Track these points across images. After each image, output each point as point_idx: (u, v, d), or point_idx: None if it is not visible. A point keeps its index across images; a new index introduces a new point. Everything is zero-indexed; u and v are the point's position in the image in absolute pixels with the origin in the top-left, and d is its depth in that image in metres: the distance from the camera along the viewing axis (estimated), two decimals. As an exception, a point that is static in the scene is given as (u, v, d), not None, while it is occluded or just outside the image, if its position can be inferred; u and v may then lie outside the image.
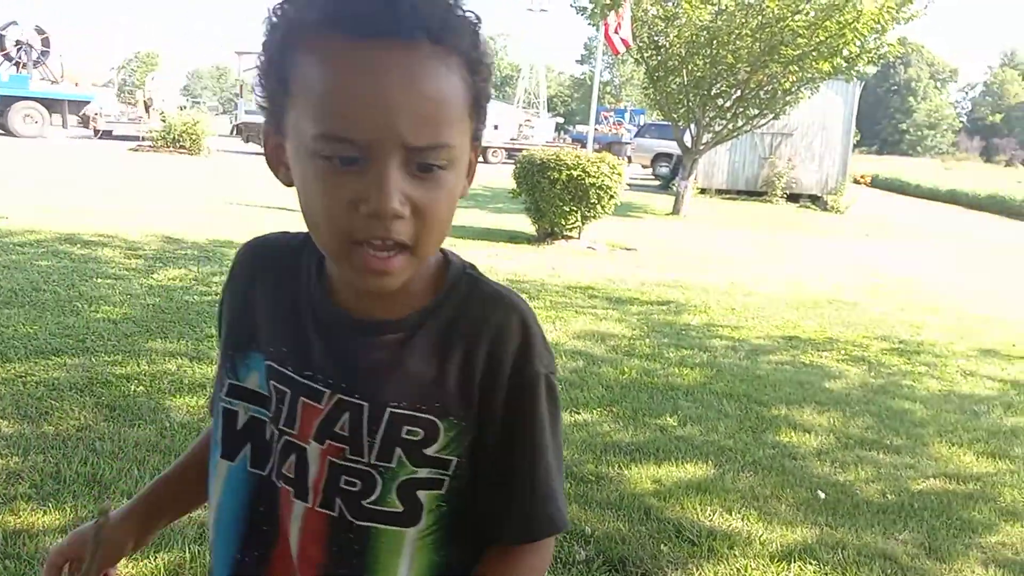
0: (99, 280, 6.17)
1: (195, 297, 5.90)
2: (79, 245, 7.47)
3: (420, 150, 0.76)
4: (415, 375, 0.86)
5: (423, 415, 0.86)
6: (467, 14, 0.79)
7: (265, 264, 0.97)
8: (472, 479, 0.89)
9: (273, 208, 11.43)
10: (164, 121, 22.43)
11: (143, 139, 22.84)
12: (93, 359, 4.36)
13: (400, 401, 0.86)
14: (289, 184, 0.85)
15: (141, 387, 4.01)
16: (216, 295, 5.90)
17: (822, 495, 3.46)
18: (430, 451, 0.86)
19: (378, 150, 0.74)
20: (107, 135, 25.61)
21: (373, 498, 0.86)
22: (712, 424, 4.23)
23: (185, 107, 38.09)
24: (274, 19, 0.79)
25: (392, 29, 0.73)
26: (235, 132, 25.89)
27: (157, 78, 32.90)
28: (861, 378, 5.38)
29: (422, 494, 0.87)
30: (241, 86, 26.76)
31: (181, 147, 21.74)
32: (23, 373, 4.04)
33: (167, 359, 4.46)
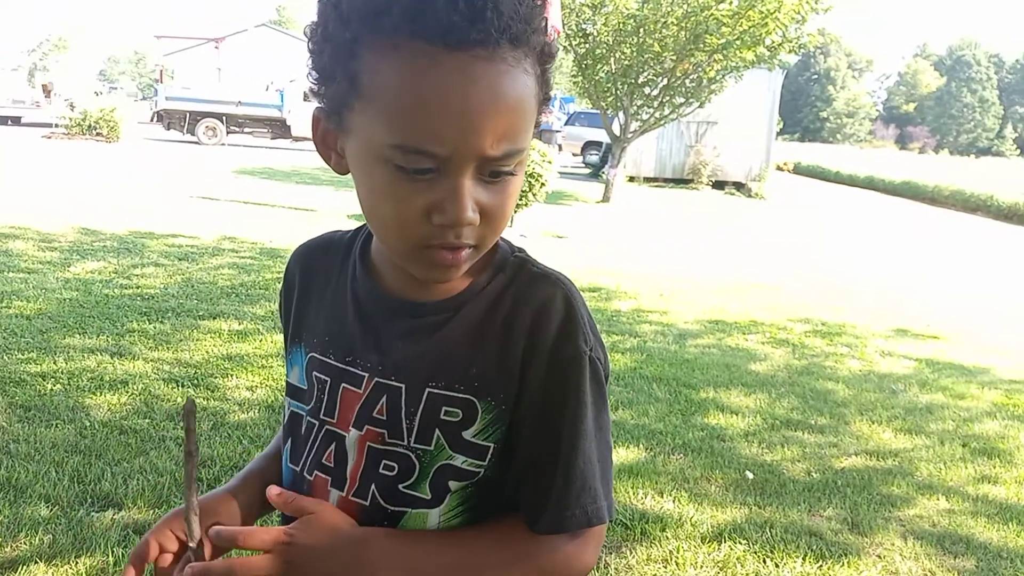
0: (11, 274, 5.90)
1: (115, 290, 5.70)
2: (-12, 238, 7.13)
3: (496, 160, 0.75)
4: (454, 354, 0.85)
5: (461, 395, 0.84)
6: (536, 1, 0.76)
7: (313, 263, 0.98)
8: (506, 468, 0.86)
9: (196, 198, 11.12)
10: (72, 108, 21.63)
11: (56, 126, 21.97)
12: (5, 357, 4.17)
13: (438, 381, 0.85)
14: (342, 172, 0.84)
15: (58, 385, 3.85)
16: (138, 287, 5.75)
17: (750, 475, 3.55)
18: (468, 434, 0.85)
19: (456, 164, 0.74)
20: (15, 122, 24.62)
21: (409, 482, 0.86)
22: (643, 408, 4.29)
23: (101, 93, 36.72)
24: (342, 10, 0.75)
25: (478, 39, 0.71)
26: (156, 119, 25.04)
27: (62, 61, 31.50)
28: (785, 360, 5.53)
29: (453, 484, 0.86)
30: (161, 71, 25.85)
31: (98, 134, 20.98)
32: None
33: (86, 355, 4.30)
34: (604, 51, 15.38)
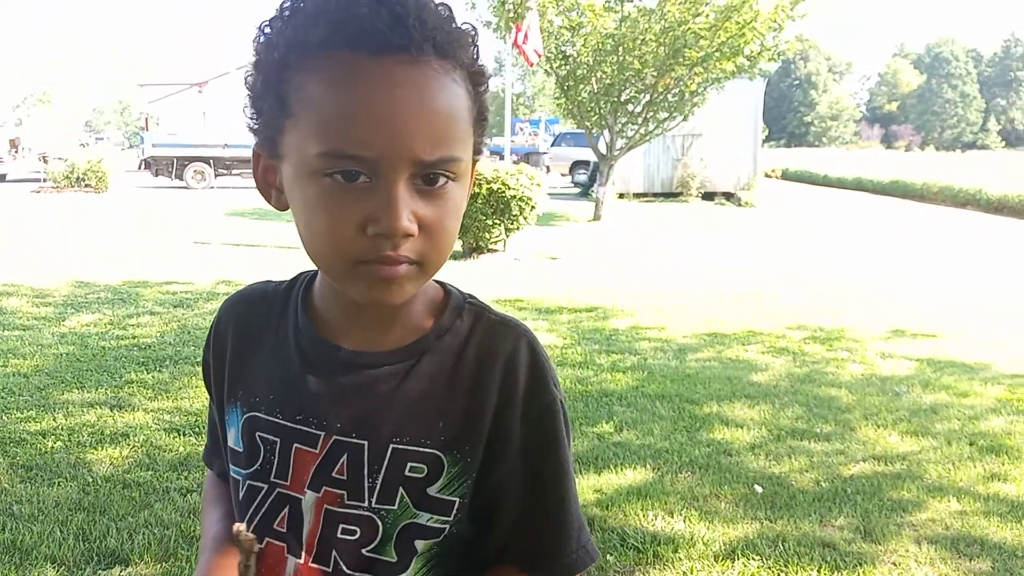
0: (6, 332, 5.89)
1: (112, 342, 5.68)
2: (-18, 297, 7.11)
3: (430, 164, 0.73)
4: (419, 407, 0.82)
5: (427, 449, 0.81)
6: (464, 27, 0.78)
7: (248, 316, 0.93)
8: (475, 520, 0.85)
9: (188, 243, 11.12)
10: (45, 161, 21.88)
11: (44, 180, 22.04)
12: (4, 417, 4.15)
13: (403, 436, 0.81)
14: (282, 208, 0.81)
15: (59, 442, 3.83)
16: (134, 337, 5.73)
17: (759, 489, 3.53)
18: (433, 490, 0.82)
19: (388, 168, 0.72)
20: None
21: (372, 546, 0.82)
22: (647, 427, 4.27)
23: (87, 144, 36.82)
24: (271, 38, 0.76)
25: (401, 44, 0.71)
26: (143, 166, 25.10)
27: (33, 115, 31.53)
28: (786, 368, 5.52)
29: (419, 543, 0.83)
30: (147, 119, 25.93)
31: (87, 185, 21.02)
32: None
33: (85, 410, 4.27)
34: (585, 71, 15.49)
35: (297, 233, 0.79)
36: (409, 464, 0.81)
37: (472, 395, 0.82)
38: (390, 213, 0.72)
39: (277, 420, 0.85)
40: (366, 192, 0.72)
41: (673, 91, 15.51)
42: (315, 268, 0.90)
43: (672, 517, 3.25)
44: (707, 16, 14.52)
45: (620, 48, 14.83)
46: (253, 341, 0.90)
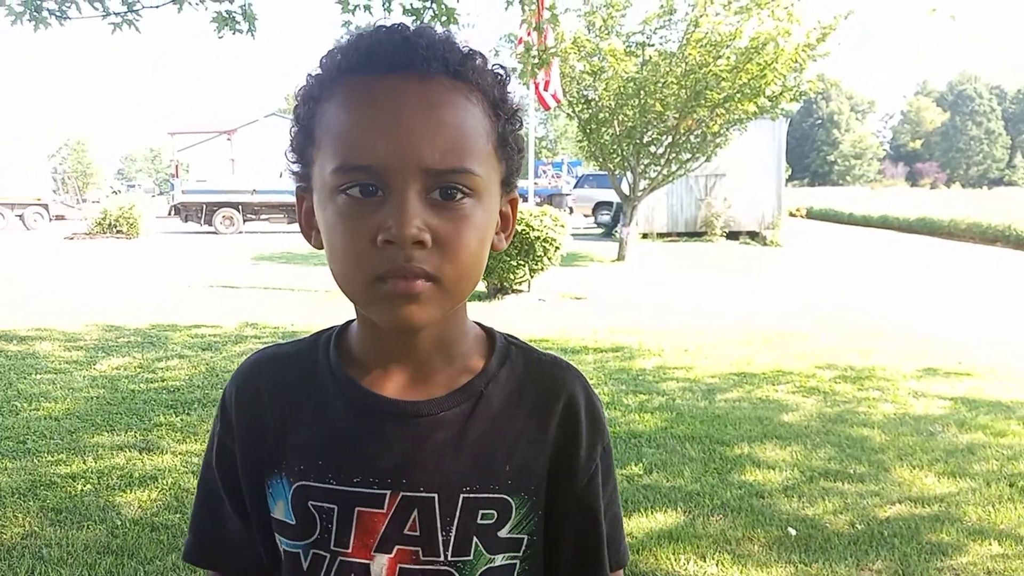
0: (38, 376, 5.96)
1: (141, 385, 5.72)
2: (15, 341, 7.22)
3: (441, 174, 0.73)
4: (483, 452, 0.81)
5: (496, 495, 0.81)
6: (492, 66, 0.79)
7: (268, 382, 0.88)
8: (537, 559, 0.87)
9: (216, 287, 11.26)
10: (79, 202, 23.17)
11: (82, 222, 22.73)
12: (35, 460, 4.18)
13: (472, 484, 0.80)
14: (321, 247, 0.81)
15: (88, 485, 3.85)
16: (163, 380, 5.77)
17: (793, 532, 3.45)
18: (504, 533, 0.81)
19: (396, 177, 0.72)
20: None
21: None
22: (677, 469, 4.21)
23: (119, 191, 37.62)
24: (303, 87, 0.80)
25: (409, 63, 0.73)
26: (173, 212, 25.56)
27: (82, 163, 32.88)
28: (817, 408, 5.43)
29: None
30: (176, 166, 26.46)
31: (118, 232, 21.40)
32: (-40, 482, 3.85)
33: (115, 453, 4.30)
34: (607, 115, 15.61)
35: (327, 261, 0.80)
36: (480, 512, 0.80)
37: (535, 436, 0.84)
38: (399, 218, 0.71)
39: (331, 486, 0.81)
40: (379, 205, 0.73)
41: (695, 132, 15.58)
42: (338, 325, 0.91)
43: (704, 561, 3.18)
44: (728, 58, 14.63)
45: (642, 91, 14.95)
46: (292, 408, 0.85)
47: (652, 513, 3.62)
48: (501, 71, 0.79)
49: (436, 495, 0.79)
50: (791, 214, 28.32)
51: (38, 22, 5.34)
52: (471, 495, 0.80)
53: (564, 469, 0.85)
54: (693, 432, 4.81)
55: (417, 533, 0.80)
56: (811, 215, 33.80)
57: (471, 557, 0.80)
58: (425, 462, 0.80)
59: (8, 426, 4.72)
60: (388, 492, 0.80)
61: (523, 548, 0.83)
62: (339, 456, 0.81)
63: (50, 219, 27.37)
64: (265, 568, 0.90)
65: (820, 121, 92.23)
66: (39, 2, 5.40)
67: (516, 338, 0.90)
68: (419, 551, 0.80)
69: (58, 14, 5.50)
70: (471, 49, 0.77)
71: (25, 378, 5.86)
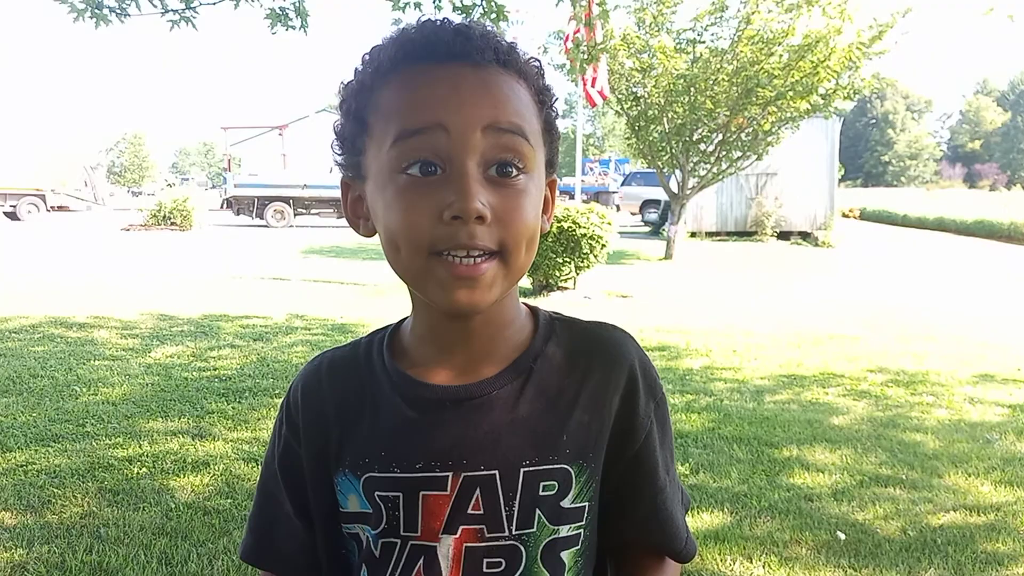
0: (96, 362, 6.13)
1: (193, 373, 5.85)
2: (74, 328, 7.44)
3: (502, 132, 0.76)
4: (539, 426, 0.83)
5: (556, 466, 0.82)
6: (529, 57, 0.83)
7: (328, 385, 0.91)
8: (604, 519, 0.88)
9: (267, 279, 11.45)
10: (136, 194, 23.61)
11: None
12: (94, 443, 4.30)
13: (531, 458, 0.81)
14: (369, 234, 0.85)
15: (144, 469, 3.95)
16: (215, 369, 5.89)
17: (842, 536, 3.40)
18: (566, 503, 0.83)
19: (458, 144, 0.74)
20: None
21: (520, 571, 0.82)
22: (724, 470, 4.17)
23: (173, 184, 38.47)
24: (352, 81, 0.83)
25: (464, 53, 0.77)
26: (226, 206, 26.04)
27: (99, 165, 33.16)
28: (868, 412, 5.33)
29: (564, 555, 0.84)
30: (229, 160, 26.96)
31: (172, 224, 21.88)
32: (24, 462, 3.98)
33: (168, 438, 4.40)
34: (656, 112, 15.51)
35: (382, 249, 0.82)
36: (542, 484, 0.81)
37: (590, 402, 0.85)
38: (463, 193, 0.74)
39: (395, 475, 0.83)
40: (441, 183, 0.75)
41: (746, 130, 15.39)
42: (391, 324, 0.93)
43: (751, 562, 3.15)
44: (780, 56, 14.42)
45: (692, 88, 14.82)
46: (354, 407, 0.88)
47: (698, 513, 3.59)
48: (538, 63, 0.84)
49: (496, 472, 0.81)
50: (844, 215, 27.84)
51: (99, 19, 5.48)
52: (531, 468, 0.81)
53: (623, 432, 0.86)
54: (741, 433, 4.76)
55: (481, 511, 0.81)
56: (864, 216, 33.17)
57: (535, 529, 0.81)
58: (483, 441, 0.82)
59: (68, 410, 4.87)
60: (450, 474, 0.82)
61: (585, 516, 0.85)
62: (400, 446, 0.84)
63: (48, 209, 27.14)
64: (321, 573, 0.93)
65: (874, 121, 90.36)
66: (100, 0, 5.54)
67: (559, 313, 0.93)
68: (483, 528, 0.81)
69: (118, 11, 5.64)
70: (512, 43, 0.81)
71: (84, 364, 6.04)
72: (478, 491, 0.81)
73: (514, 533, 0.81)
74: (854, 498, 3.84)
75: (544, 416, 0.83)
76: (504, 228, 0.76)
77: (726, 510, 3.65)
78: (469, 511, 0.81)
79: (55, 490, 3.64)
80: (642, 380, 0.87)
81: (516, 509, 0.81)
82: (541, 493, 0.81)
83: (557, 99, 0.85)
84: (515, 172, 0.77)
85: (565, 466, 0.82)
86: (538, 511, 0.82)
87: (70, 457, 4.07)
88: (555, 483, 0.82)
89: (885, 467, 4.28)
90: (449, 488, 0.82)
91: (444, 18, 0.80)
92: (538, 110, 0.82)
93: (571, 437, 0.83)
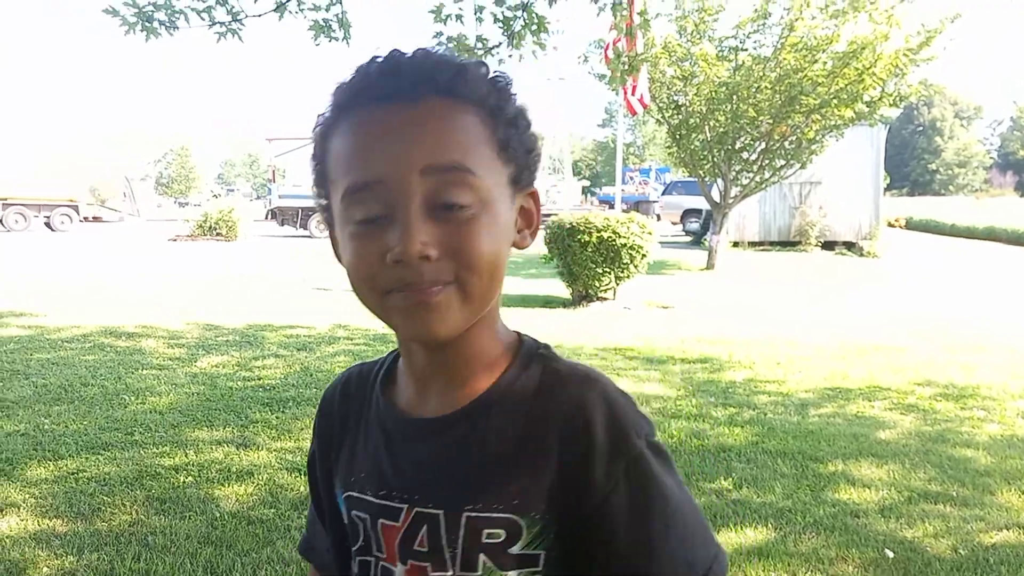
0: (144, 371, 6.25)
1: (238, 383, 5.94)
2: (122, 338, 7.60)
3: (441, 171, 0.74)
4: (487, 471, 0.79)
5: (501, 515, 0.78)
6: (487, 71, 0.81)
7: (345, 401, 0.95)
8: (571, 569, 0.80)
9: (310, 289, 11.60)
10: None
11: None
12: (142, 452, 4.38)
13: (475, 503, 0.78)
14: None
15: (190, 477, 4.02)
16: (259, 379, 5.97)
17: (890, 554, 3.33)
18: (515, 550, 0.78)
19: (398, 190, 0.74)
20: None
21: None
22: (768, 484, 4.11)
23: (219, 195, 39.19)
24: (316, 126, 0.84)
25: (395, 93, 0.76)
26: (270, 216, 26.44)
27: (134, 178, 33.41)
28: (915, 426, 5.22)
29: None
30: (273, 171, 27.39)
31: (217, 234, 22.27)
32: (75, 470, 4.08)
33: (214, 447, 4.47)
34: (698, 120, 15.41)
35: None
36: (485, 531, 0.78)
37: (544, 456, 0.78)
38: (404, 237, 0.73)
39: (367, 498, 0.86)
40: (386, 227, 0.75)
41: (790, 139, 15.22)
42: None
43: (796, 580, 3.10)
44: (824, 63, 14.24)
45: (734, 96, 14.71)
46: (352, 423, 0.92)
47: (741, 528, 3.55)
48: (502, 79, 0.81)
49: (441, 512, 0.80)
50: (889, 224, 27.32)
51: (149, 32, 5.61)
52: (474, 514, 0.79)
53: (574, 491, 0.77)
54: (785, 447, 4.69)
55: (426, 549, 0.81)
56: (911, 226, 32.51)
57: (480, 573, 0.79)
58: (436, 478, 0.82)
59: (117, 418, 4.97)
60: (405, 507, 0.82)
61: (541, 563, 0.79)
62: (371, 471, 0.87)
63: (80, 220, 27.90)
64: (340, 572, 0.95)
65: (921, 128, 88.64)
66: (151, 13, 5.68)
67: (548, 349, 0.87)
68: (428, 566, 0.81)
69: (168, 24, 5.77)
70: (464, 63, 0.79)
71: (132, 373, 6.17)
72: (425, 528, 0.81)
73: (458, 574, 0.80)
74: (902, 515, 3.76)
75: (494, 462, 0.80)
76: (456, 261, 0.75)
77: (770, 525, 3.60)
78: (415, 547, 0.81)
79: (104, 498, 3.72)
80: (601, 437, 0.77)
81: (459, 551, 0.79)
82: (484, 540, 0.79)
83: (522, 110, 0.82)
84: (461, 205, 0.75)
85: (512, 516, 0.78)
86: (482, 556, 0.79)
87: (119, 465, 4.16)
88: (501, 531, 0.78)
89: (934, 483, 4.19)
90: (401, 520, 0.82)
91: (394, 50, 0.79)
92: (489, 132, 0.78)
93: (520, 487, 0.78)
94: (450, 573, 0.80)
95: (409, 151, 0.75)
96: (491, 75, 0.81)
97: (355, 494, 0.87)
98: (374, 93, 0.77)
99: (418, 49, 0.79)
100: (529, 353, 0.85)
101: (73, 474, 4.02)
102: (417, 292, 0.75)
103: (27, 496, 3.73)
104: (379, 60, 0.78)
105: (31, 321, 8.41)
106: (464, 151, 0.76)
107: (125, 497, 3.73)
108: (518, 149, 0.81)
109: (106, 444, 4.48)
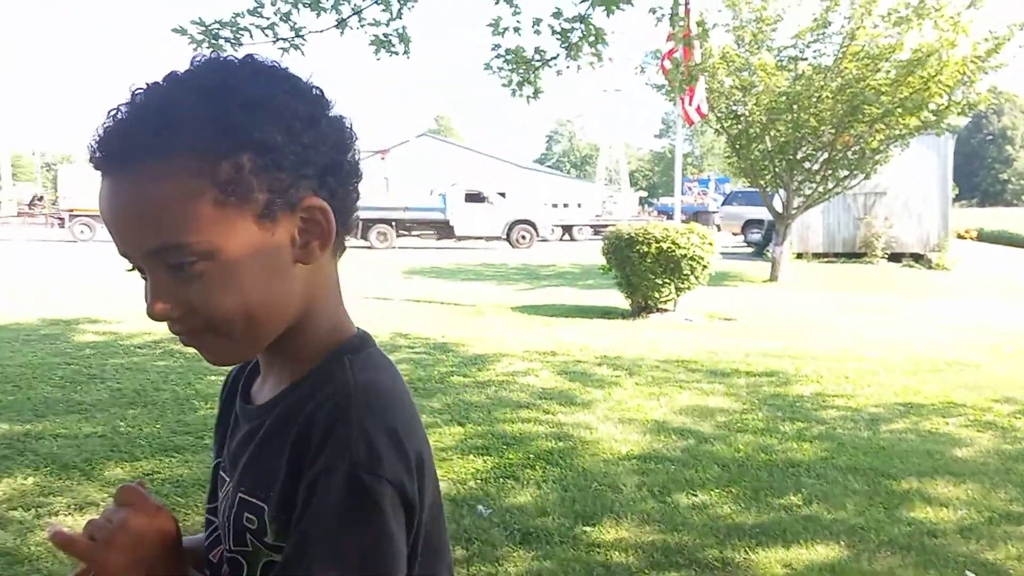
0: (211, 377, 6.39)
1: (304, 390, 6.03)
2: (193, 344, 7.79)
3: (155, 255, 0.78)
4: (256, 461, 0.85)
5: (257, 502, 0.82)
6: (218, 95, 0.77)
7: (232, 383, 1.03)
8: None
9: (370, 298, 11.74)
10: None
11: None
12: (211, 455, 4.47)
13: (245, 487, 0.85)
14: None
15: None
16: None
17: (971, 576, 3.21)
18: (269, 540, 0.81)
19: (136, 261, 0.80)
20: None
21: None
22: (839, 501, 4.01)
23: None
24: None
25: (112, 161, 0.78)
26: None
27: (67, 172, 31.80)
28: (994, 445, 5.03)
29: None
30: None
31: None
32: (150, 471, 4.19)
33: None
34: (758, 130, 15.20)
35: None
36: (246, 515, 0.83)
37: (286, 451, 0.80)
38: (147, 300, 0.80)
39: (222, 474, 0.95)
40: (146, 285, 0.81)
41: (853, 148, 14.91)
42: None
43: (872, 599, 3.01)
44: (887, 72, 13.92)
45: (795, 106, 14.48)
46: (229, 400, 1.00)
47: (813, 545, 3.46)
48: (238, 91, 0.77)
49: (230, 490, 0.88)
50: (959, 236, 26.51)
51: (215, 48, 5.78)
52: (243, 497, 0.84)
53: (297, 490, 0.77)
54: (856, 463, 4.57)
55: (223, 521, 0.88)
56: (982, 237, 31.47)
57: (250, 549, 0.83)
58: (236, 458, 0.89)
59: (188, 422, 5.10)
60: (229, 481, 0.90)
61: None
62: (225, 443, 0.97)
63: None
64: None
65: (991, 137, 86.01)
66: (216, 30, 5.86)
67: (369, 351, 0.90)
68: (221, 536, 0.88)
69: (232, 40, 5.94)
70: (176, 103, 0.76)
71: (201, 379, 6.31)
72: (226, 502, 0.88)
73: (232, 548, 0.85)
74: (983, 536, 3.62)
75: (263, 453, 0.85)
76: (204, 314, 0.79)
77: (842, 543, 3.51)
78: (221, 518, 0.89)
79: (179, 499, 3.81)
80: (317, 439, 0.77)
81: (231, 529, 0.85)
82: (244, 523, 0.83)
83: (263, 121, 0.77)
84: (188, 264, 0.77)
85: (262, 505, 0.81)
86: (248, 535, 0.83)
87: (191, 468, 4.26)
88: (255, 519, 0.82)
89: (1017, 504, 4.03)
90: (223, 493, 0.91)
91: (134, 94, 0.77)
92: (208, 183, 0.75)
93: (272, 481, 0.80)
94: (228, 547, 0.86)
95: (129, 236, 0.78)
96: (223, 96, 0.77)
97: (221, 470, 0.96)
98: (97, 163, 0.79)
99: (144, 89, 0.78)
100: (336, 355, 0.86)
101: (148, 475, 4.13)
102: (186, 341, 0.82)
103: (106, 496, 3.84)
104: (103, 123, 0.78)
105: (105, 328, 8.69)
106: (173, 225, 0.76)
107: (198, 498, 3.82)
108: (262, 175, 0.77)
109: (178, 447, 4.59)
